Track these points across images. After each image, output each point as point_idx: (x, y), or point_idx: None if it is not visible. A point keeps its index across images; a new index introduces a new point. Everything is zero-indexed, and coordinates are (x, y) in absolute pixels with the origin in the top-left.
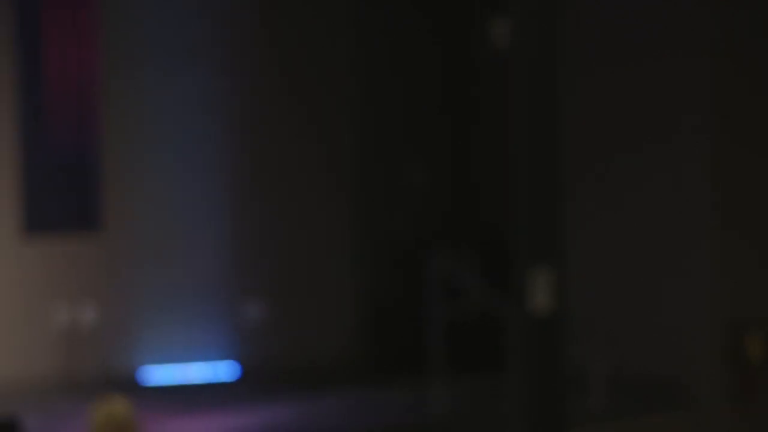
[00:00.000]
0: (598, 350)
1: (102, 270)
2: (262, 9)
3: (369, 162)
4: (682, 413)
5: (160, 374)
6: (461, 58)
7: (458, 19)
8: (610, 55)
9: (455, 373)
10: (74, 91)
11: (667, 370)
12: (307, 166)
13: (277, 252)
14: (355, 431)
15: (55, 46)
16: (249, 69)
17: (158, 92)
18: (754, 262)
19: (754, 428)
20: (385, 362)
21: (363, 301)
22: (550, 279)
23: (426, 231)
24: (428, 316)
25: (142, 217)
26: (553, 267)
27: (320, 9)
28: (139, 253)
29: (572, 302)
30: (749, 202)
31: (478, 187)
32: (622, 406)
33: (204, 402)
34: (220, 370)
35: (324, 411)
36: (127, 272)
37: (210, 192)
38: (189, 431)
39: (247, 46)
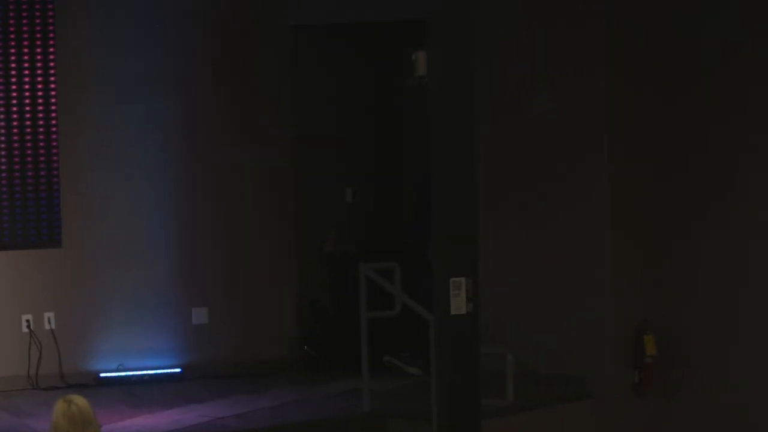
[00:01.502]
0: (513, 351)
1: (62, 282)
2: (210, 40)
3: (306, 179)
4: (589, 403)
5: (116, 375)
6: (390, 87)
7: (386, 53)
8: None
9: (384, 370)
10: (32, 119)
11: (574, 368)
12: (251, 183)
13: (224, 261)
14: (289, 423)
15: (12, 77)
16: (197, 95)
17: (111, 118)
18: (649, 270)
19: (650, 413)
20: (323, 362)
21: (304, 305)
22: (467, 286)
23: (357, 240)
24: (359, 318)
25: (99, 233)
26: (470, 276)
27: (264, 42)
28: (96, 266)
29: (488, 308)
30: (642, 217)
31: (401, 202)
32: (533, 399)
33: (155, 400)
34: (170, 371)
35: (262, 406)
36: (85, 283)
37: (161, 208)
38: (141, 425)
39: (195, 73)
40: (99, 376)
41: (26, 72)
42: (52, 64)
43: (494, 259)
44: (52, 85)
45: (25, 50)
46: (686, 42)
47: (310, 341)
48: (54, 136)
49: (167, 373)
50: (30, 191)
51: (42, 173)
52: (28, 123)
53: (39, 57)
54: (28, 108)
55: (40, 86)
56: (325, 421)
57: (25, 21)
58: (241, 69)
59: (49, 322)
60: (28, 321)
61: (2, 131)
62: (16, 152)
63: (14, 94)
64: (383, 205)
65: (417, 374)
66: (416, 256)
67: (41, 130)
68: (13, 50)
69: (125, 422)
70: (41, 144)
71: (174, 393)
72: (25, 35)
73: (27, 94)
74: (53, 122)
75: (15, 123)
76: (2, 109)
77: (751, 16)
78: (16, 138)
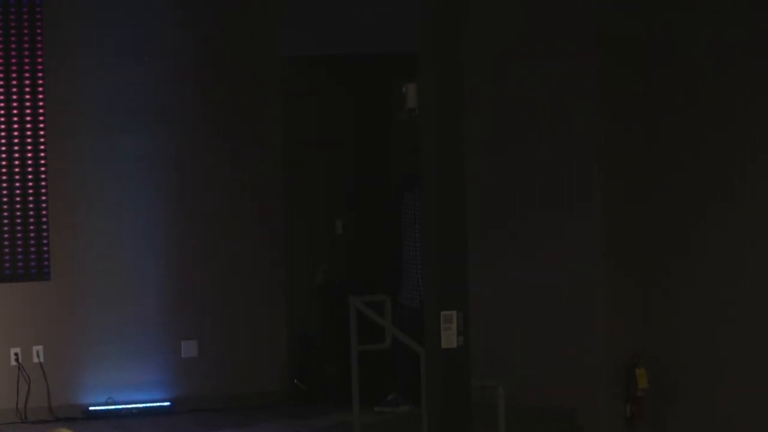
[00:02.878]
0: (504, 383)
1: (51, 315)
2: (200, 70)
3: (296, 211)
4: None
5: (105, 409)
6: (380, 119)
7: (377, 86)
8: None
9: (374, 402)
10: (20, 152)
11: (566, 401)
12: (241, 215)
13: (213, 294)
14: None
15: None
16: (187, 126)
17: (100, 149)
18: (641, 301)
19: None
20: (314, 395)
21: (294, 337)
22: (458, 320)
23: (348, 272)
24: (349, 351)
25: (87, 266)
26: (461, 309)
27: (254, 74)
28: (85, 299)
29: (478, 339)
30: (634, 244)
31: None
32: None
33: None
34: (160, 404)
35: None
36: (73, 316)
37: (150, 241)
38: None
39: (185, 105)
40: (88, 409)
41: (15, 104)
42: (40, 96)
43: (483, 289)
44: (41, 117)
45: (14, 81)
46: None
47: (300, 374)
48: (42, 168)
49: (157, 406)
50: (18, 224)
51: (30, 205)
52: (16, 156)
53: (27, 89)
54: (16, 141)
55: (28, 119)
56: None
57: (14, 53)
58: (231, 101)
59: (38, 356)
60: (16, 354)
61: None
62: (5, 185)
63: (2, 127)
64: (373, 237)
65: (409, 409)
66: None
67: (29, 162)
68: (1, 82)
69: None
70: (29, 176)
71: (163, 426)
72: (14, 67)
73: (15, 126)
74: (42, 154)
75: (3, 155)
76: None
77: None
78: (4, 170)
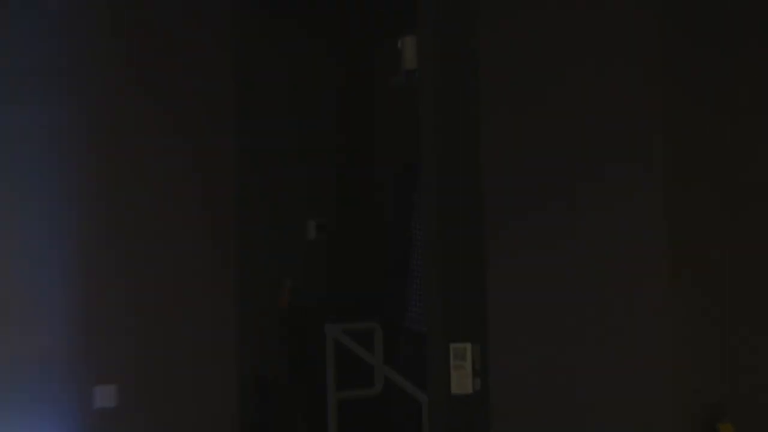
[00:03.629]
0: None
1: None
2: (117, 16)
3: (253, 206)
4: None
5: None
6: (365, 88)
7: (359, 45)
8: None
9: None
10: None
11: None
12: (176, 221)
13: (138, 324)
14: None
15: None
16: (102, 97)
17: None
18: (716, 336)
19: None
20: None
21: (248, 379)
22: (474, 355)
23: (323, 292)
24: (324, 398)
25: None
26: (477, 340)
27: (199, 25)
28: None
29: (497, 380)
30: (713, 261)
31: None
32: None
33: None
34: None
35: None
36: None
37: (55, 255)
38: None
39: (99, 68)
40: None
41: None
42: None
43: (503, 311)
44: None
45: None
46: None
47: (256, 426)
48: None
49: None
50: None
51: None
52: None
53: None
54: None
55: None
56: None
57: None
58: (156, 44)
59: None
60: None
61: None
62: None
63: None
64: (359, 242)
65: None
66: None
67: None
68: None
69: None
70: None
71: None
72: None
73: None
74: None
75: None
76: None
77: None
78: None
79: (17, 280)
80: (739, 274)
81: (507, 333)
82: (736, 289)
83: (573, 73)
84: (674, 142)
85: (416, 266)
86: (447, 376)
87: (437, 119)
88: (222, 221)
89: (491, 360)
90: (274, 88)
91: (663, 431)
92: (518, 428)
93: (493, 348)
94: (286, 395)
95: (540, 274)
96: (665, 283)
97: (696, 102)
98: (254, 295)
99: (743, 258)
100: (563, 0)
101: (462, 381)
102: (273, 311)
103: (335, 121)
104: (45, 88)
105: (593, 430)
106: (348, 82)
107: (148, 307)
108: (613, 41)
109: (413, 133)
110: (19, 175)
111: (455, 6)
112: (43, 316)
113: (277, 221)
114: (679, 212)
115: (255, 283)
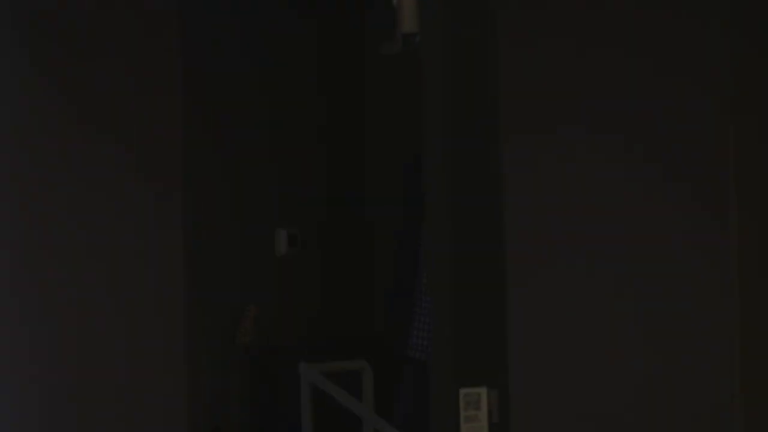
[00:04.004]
0: None
1: None
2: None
3: (206, 220)
4: None
5: None
6: (350, 59)
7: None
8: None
9: None
10: None
11: None
12: (106, 230)
13: (57, 360)
14: None
15: None
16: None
17: None
18: None
19: None
20: None
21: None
22: (490, 403)
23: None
24: None
25: None
26: (495, 384)
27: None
28: None
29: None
30: None
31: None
32: None
33: None
34: None
35: None
36: None
37: None
38: None
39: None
40: None
41: None
42: None
43: (529, 346)
44: None
45: None
46: None
47: None
48: None
49: None
50: None
51: None
52: None
53: None
54: None
55: None
56: None
57: None
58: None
59: None
60: None
61: None
62: None
63: None
64: (344, 257)
65: None
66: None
67: None
68: None
69: None
70: None
71: None
72: None
73: None
74: None
75: None
76: None
77: None
78: None
79: None
80: None
81: (534, 375)
82: None
83: None
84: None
85: (425, 284)
86: (457, 429)
87: (447, 99)
88: (168, 232)
89: (513, 410)
90: (233, 65)
91: None
92: None
93: (515, 394)
94: None
95: (572, 300)
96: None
97: None
98: (210, 326)
99: None
100: None
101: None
102: (234, 347)
103: (314, 105)
104: None
105: None
106: (329, 54)
107: (72, 344)
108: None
109: (417, 114)
110: None
111: None
112: None
113: (239, 231)
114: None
115: (211, 311)
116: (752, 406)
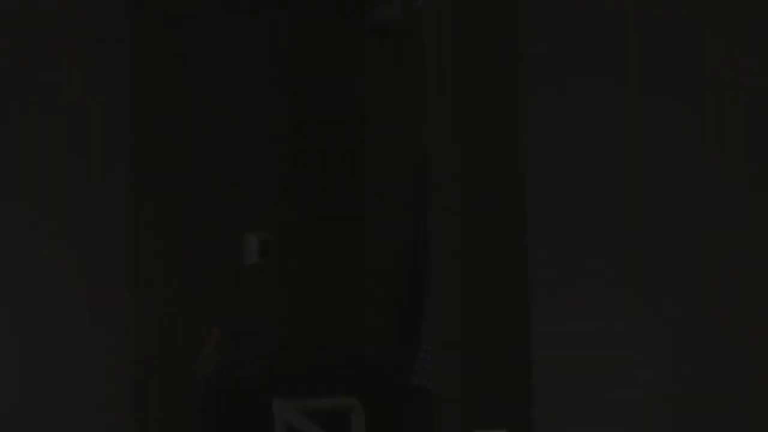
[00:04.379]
0: None
1: None
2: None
3: (156, 224)
4: None
5: None
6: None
7: None
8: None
9: None
10: None
11: None
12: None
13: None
14: None
15: None
16: None
17: None
18: None
19: None
20: None
21: None
22: None
23: (268, 350)
24: None
25: None
26: (515, 428)
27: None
28: None
29: None
30: None
31: (362, 262)
32: None
33: None
34: None
35: None
36: None
37: None
38: None
39: None
40: None
41: None
42: None
43: (556, 383)
44: None
45: None
46: None
47: None
48: None
49: None
50: None
51: None
52: None
53: None
54: None
55: None
56: None
57: None
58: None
59: None
60: None
61: None
62: None
63: None
64: (327, 268)
65: None
66: (397, 376)
67: None
68: None
69: None
70: None
71: None
72: None
73: None
74: None
75: None
76: None
77: None
78: None
79: None
80: None
81: (563, 420)
82: None
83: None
84: None
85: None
86: None
87: (456, 80)
88: (108, 239)
89: None
90: (190, 31)
91: None
92: None
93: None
94: None
95: (599, 318)
96: None
97: None
98: (161, 352)
99: None
100: None
101: None
102: (192, 379)
103: (289, 82)
104: None
105: None
106: (318, 20)
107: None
108: None
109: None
110: None
111: None
112: None
113: (198, 236)
114: None
115: (162, 334)
116: None
